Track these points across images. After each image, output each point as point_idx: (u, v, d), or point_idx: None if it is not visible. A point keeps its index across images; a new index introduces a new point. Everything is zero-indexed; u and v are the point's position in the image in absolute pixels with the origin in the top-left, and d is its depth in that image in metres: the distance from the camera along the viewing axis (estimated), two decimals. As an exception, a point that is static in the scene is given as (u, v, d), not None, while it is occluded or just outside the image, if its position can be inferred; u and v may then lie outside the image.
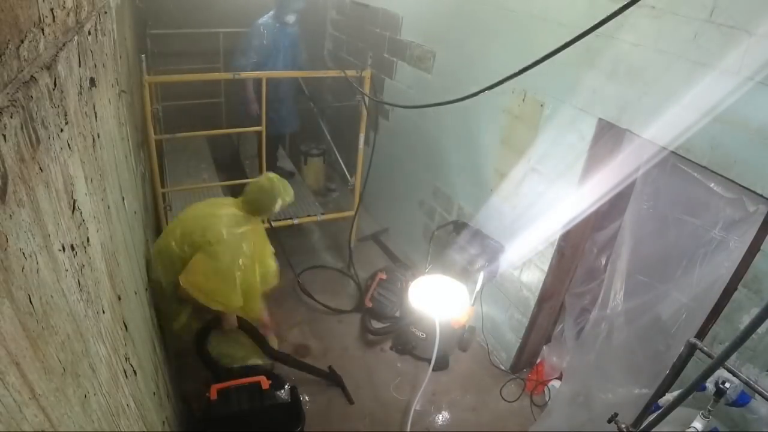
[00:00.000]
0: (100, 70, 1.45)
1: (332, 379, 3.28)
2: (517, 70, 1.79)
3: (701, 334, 2.23)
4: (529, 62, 1.69)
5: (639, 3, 1.41)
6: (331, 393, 3.26)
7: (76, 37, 1.06)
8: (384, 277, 3.96)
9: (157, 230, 3.42)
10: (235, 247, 2.45)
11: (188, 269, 2.37)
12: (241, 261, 2.48)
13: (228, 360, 2.72)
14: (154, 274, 2.45)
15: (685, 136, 2.16)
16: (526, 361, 3.54)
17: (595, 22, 1.48)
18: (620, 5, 1.39)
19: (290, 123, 4.81)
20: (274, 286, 2.89)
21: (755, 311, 1.41)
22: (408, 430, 3.02)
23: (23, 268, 0.64)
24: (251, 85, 4.30)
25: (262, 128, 3.65)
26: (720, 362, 1.33)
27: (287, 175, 4.85)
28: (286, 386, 2.68)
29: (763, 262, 2.03)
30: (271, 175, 2.65)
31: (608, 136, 2.64)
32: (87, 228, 1.03)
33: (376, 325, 3.76)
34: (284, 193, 2.63)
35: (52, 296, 0.75)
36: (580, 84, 2.65)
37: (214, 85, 5.38)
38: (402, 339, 3.62)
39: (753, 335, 2.06)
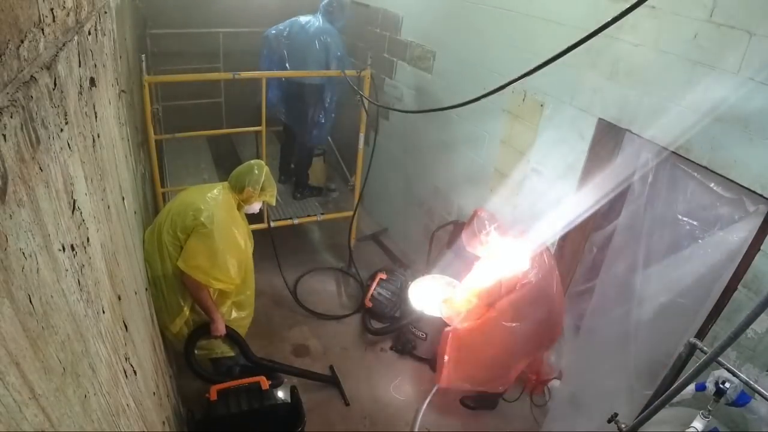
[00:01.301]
0: (100, 70, 1.45)
1: (323, 379, 3.29)
2: (517, 71, 1.78)
3: (701, 334, 2.23)
4: (529, 62, 1.69)
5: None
6: (329, 393, 3.26)
7: (76, 37, 1.06)
8: (384, 277, 3.96)
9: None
10: (227, 226, 2.51)
11: (185, 254, 2.42)
12: (233, 238, 2.54)
13: (205, 352, 2.75)
14: (154, 272, 2.47)
15: (685, 136, 2.16)
16: (526, 361, 3.53)
17: (596, 22, 1.47)
18: (622, 5, 1.39)
19: (318, 133, 4.27)
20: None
21: (755, 311, 1.40)
22: (416, 430, 3.02)
23: (23, 268, 0.64)
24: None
25: (262, 128, 3.65)
26: (714, 357, 1.33)
27: (321, 193, 4.72)
28: (286, 385, 2.68)
29: (763, 262, 2.03)
30: (262, 163, 2.68)
31: (608, 136, 2.64)
32: (87, 228, 1.03)
33: (376, 325, 3.76)
34: (267, 187, 2.64)
35: (52, 296, 0.75)
36: (581, 84, 2.65)
37: (214, 85, 5.38)
38: (402, 339, 3.62)
39: (753, 336, 2.08)
